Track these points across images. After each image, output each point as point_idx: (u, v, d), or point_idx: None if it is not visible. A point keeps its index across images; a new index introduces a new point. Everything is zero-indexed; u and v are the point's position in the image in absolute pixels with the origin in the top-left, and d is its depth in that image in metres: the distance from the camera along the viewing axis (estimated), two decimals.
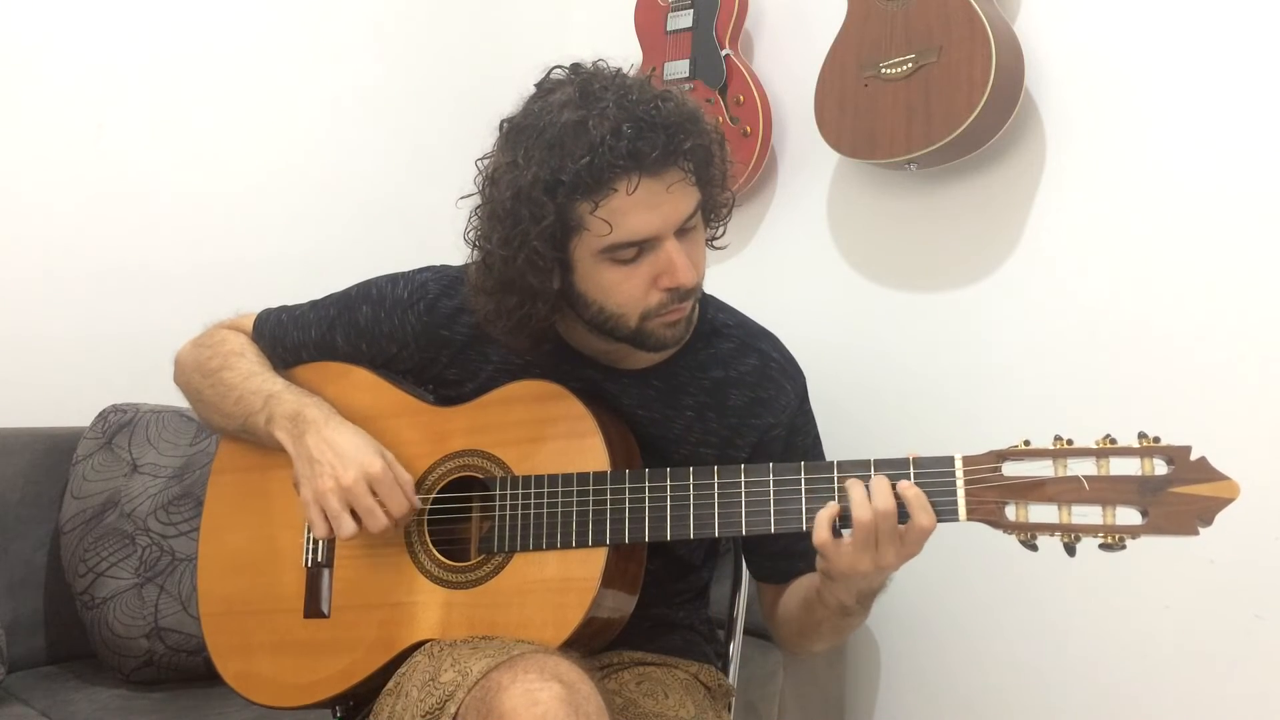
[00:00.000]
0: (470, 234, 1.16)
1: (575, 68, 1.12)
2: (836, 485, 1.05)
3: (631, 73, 1.12)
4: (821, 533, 1.03)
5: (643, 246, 1.08)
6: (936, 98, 1.66)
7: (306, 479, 1.17)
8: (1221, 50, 1.55)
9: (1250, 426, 1.49)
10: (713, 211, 1.17)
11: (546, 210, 1.05)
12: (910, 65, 1.70)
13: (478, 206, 1.14)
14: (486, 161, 1.14)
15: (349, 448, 1.16)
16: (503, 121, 1.13)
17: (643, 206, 1.05)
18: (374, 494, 1.15)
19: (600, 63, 1.13)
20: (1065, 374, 1.68)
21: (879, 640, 1.90)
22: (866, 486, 1.02)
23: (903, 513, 1.01)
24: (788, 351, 1.29)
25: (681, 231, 1.10)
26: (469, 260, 1.18)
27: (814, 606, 1.17)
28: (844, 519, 1.04)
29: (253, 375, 1.28)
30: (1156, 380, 1.58)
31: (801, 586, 1.22)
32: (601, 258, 1.09)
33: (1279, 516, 1.45)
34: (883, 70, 1.73)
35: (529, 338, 1.17)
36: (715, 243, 1.21)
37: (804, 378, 1.29)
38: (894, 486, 1.01)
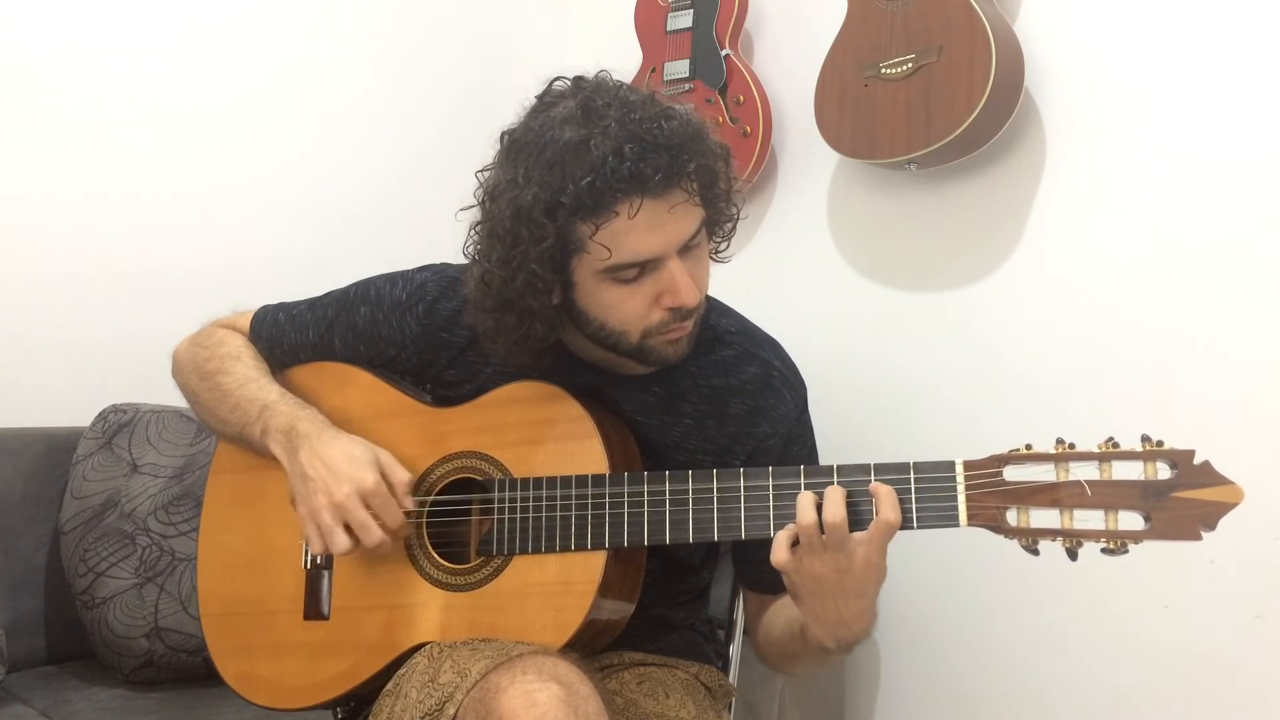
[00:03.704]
0: (470, 249, 1.15)
1: (578, 81, 1.10)
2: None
3: (631, 80, 1.11)
4: (779, 554, 1.02)
5: (645, 266, 1.07)
6: (936, 98, 1.66)
7: (301, 495, 1.17)
8: (1221, 50, 1.54)
9: (1250, 426, 1.49)
10: (717, 227, 1.15)
11: (546, 232, 1.04)
12: (910, 65, 1.70)
13: (478, 222, 1.13)
14: (486, 174, 1.12)
15: (342, 462, 1.15)
16: (503, 134, 1.11)
17: (644, 228, 1.04)
18: (369, 507, 1.14)
19: (603, 74, 1.11)
20: (1066, 373, 1.68)
21: (879, 640, 1.90)
22: (818, 496, 1.02)
23: (863, 520, 1.01)
24: (790, 360, 1.28)
25: (685, 250, 1.09)
26: (468, 274, 1.16)
27: (796, 638, 1.15)
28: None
29: (248, 382, 1.27)
30: (1157, 379, 1.58)
31: (786, 609, 1.20)
32: (603, 277, 1.08)
33: (1279, 516, 1.45)
34: (883, 70, 1.73)
35: (529, 354, 1.16)
36: (719, 255, 1.20)
37: (805, 387, 1.28)
38: (868, 488, 1.01)
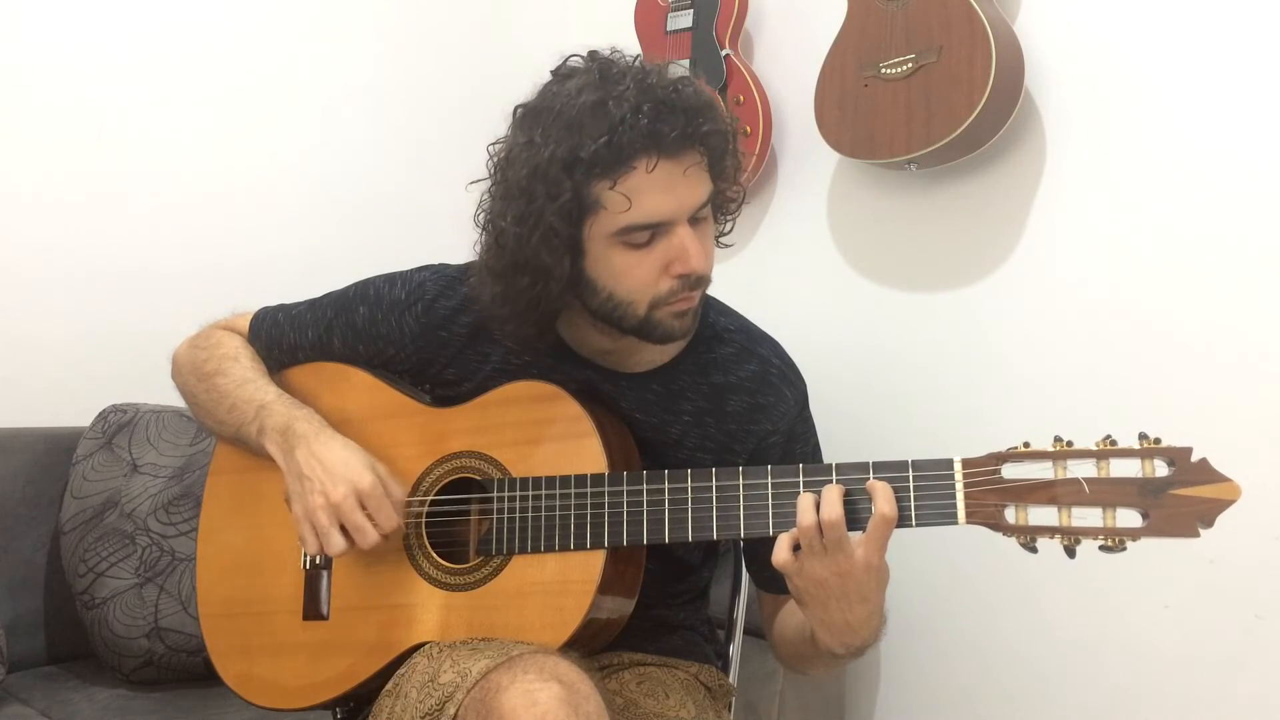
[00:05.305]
0: (481, 215, 1.15)
1: (593, 54, 1.12)
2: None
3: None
4: (781, 554, 1.03)
5: (656, 231, 1.08)
6: (936, 98, 1.66)
7: (297, 495, 1.17)
8: (1221, 49, 1.54)
9: (1250, 425, 1.49)
10: (723, 206, 1.17)
11: (564, 188, 1.05)
12: (910, 65, 1.70)
13: (490, 188, 1.14)
14: (498, 146, 1.14)
15: (338, 463, 1.15)
16: (517, 107, 1.13)
17: (659, 188, 1.05)
18: (364, 509, 1.14)
19: (616, 51, 1.13)
20: (1065, 373, 1.68)
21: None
22: (818, 497, 1.02)
23: (861, 518, 1.01)
24: (789, 357, 1.29)
25: (693, 220, 1.10)
26: (479, 242, 1.17)
27: (806, 641, 1.15)
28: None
29: (246, 383, 1.27)
30: (1157, 379, 1.58)
31: (798, 612, 1.18)
32: (615, 240, 1.08)
33: (1279, 516, 1.45)
34: (883, 70, 1.73)
35: (536, 324, 1.16)
36: (723, 239, 1.21)
37: (805, 384, 1.28)
38: (864, 486, 1.01)
